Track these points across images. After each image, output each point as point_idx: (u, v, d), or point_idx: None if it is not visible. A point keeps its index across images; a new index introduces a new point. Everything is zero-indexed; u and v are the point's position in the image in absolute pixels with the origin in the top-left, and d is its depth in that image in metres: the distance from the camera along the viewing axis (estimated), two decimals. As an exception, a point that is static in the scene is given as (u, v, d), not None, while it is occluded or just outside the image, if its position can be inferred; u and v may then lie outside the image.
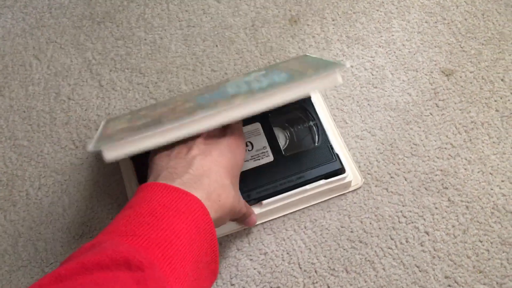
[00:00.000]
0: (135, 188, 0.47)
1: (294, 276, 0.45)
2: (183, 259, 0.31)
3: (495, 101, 0.53)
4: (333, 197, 0.48)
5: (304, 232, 0.47)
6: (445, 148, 0.50)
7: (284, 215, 0.48)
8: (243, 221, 0.44)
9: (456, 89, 0.53)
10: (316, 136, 0.48)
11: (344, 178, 0.46)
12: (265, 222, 0.48)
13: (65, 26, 0.60)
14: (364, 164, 0.50)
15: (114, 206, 0.49)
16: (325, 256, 0.46)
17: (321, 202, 0.48)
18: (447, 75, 0.54)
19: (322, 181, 0.46)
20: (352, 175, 0.48)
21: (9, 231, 0.49)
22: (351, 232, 0.47)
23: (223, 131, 0.40)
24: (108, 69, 0.57)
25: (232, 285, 0.45)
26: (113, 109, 0.54)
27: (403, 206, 0.48)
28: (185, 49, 0.58)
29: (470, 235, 0.46)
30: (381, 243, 0.46)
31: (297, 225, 0.47)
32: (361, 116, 0.52)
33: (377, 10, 0.59)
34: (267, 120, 0.48)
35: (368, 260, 0.46)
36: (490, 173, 0.49)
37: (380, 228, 0.47)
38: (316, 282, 0.45)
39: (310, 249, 0.46)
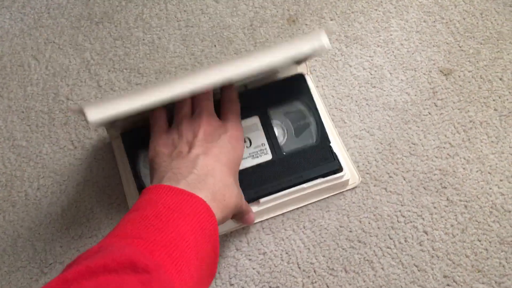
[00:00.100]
0: (133, 189, 0.48)
1: (293, 276, 0.45)
2: (188, 261, 0.31)
3: (494, 100, 0.53)
4: (331, 196, 0.48)
5: (303, 232, 0.47)
6: (444, 148, 0.50)
7: (282, 214, 0.48)
8: (242, 219, 0.43)
9: (455, 89, 0.54)
10: (315, 133, 0.47)
11: (342, 176, 0.46)
12: (263, 221, 0.48)
13: (64, 27, 0.60)
14: (363, 164, 0.50)
15: (114, 206, 0.49)
16: (324, 256, 0.46)
17: (319, 201, 0.48)
18: (445, 74, 0.55)
19: (319, 180, 0.46)
20: (349, 173, 0.48)
21: (8, 231, 0.49)
22: (350, 231, 0.47)
23: (223, 125, 0.40)
24: (106, 69, 0.57)
25: (231, 285, 0.45)
26: (112, 109, 0.54)
27: (401, 205, 0.48)
28: (183, 49, 0.58)
29: (469, 234, 0.46)
30: (380, 243, 0.46)
31: (296, 225, 0.47)
32: (359, 116, 0.53)
33: (376, 10, 0.59)
34: (266, 113, 0.47)
35: (367, 260, 0.46)
36: (489, 173, 0.49)
37: (379, 228, 0.47)
38: (315, 282, 0.45)
39: (309, 248, 0.46)
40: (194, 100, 0.41)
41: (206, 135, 0.39)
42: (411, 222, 0.47)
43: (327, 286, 0.45)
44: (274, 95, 0.48)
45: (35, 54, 0.58)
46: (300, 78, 0.49)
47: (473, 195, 0.48)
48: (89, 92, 0.55)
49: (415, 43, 0.56)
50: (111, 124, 0.45)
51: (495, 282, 0.44)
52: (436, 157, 0.50)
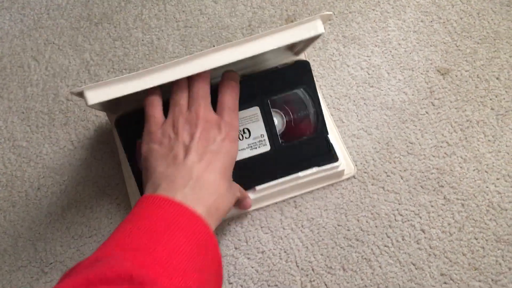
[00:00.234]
0: (135, 185, 0.48)
1: (291, 274, 0.46)
2: (184, 275, 0.31)
3: (491, 99, 0.53)
4: (329, 195, 0.49)
5: (301, 230, 0.47)
6: (441, 147, 0.51)
7: (282, 214, 0.48)
8: (239, 205, 0.45)
9: (452, 88, 0.54)
10: (314, 123, 0.47)
11: (337, 166, 0.47)
12: (262, 216, 0.48)
13: (63, 28, 0.60)
14: (361, 163, 0.50)
15: (113, 206, 0.50)
16: (322, 255, 0.46)
17: (318, 200, 0.48)
18: (442, 74, 0.55)
19: (315, 169, 0.46)
20: (345, 164, 0.49)
21: (9, 231, 0.49)
22: (348, 230, 0.47)
23: (218, 122, 0.40)
24: (106, 70, 0.57)
25: (230, 283, 0.45)
26: (111, 109, 0.55)
27: (399, 204, 0.48)
28: (182, 50, 0.58)
29: (466, 232, 0.47)
30: (377, 241, 0.47)
31: (294, 223, 0.48)
32: (357, 115, 0.53)
33: (373, 10, 0.59)
34: (267, 103, 0.46)
35: (365, 258, 0.46)
36: (486, 171, 0.49)
37: (376, 226, 0.47)
38: (313, 280, 0.45)
39: (307, 247, 0.47)
40: (190, 87, 0.40)
41: (202, 138, 0.38)
42: (408, 220, 0.47)
43: (325, 285, 0.45)
44: (276, 83, 0.46)
45: (35, 55, 0.59)
46: (304, 66, 0.47)
47: (470, 193, 0.48)
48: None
49: (413, 43, 0.57)
50: (111, 107, 0.46)
51: (492, 280, 0.44)
52: (433, 156, 0.50)
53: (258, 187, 0.46)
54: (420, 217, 0.47)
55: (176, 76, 0.38)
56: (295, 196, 0.49)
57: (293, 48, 0.48)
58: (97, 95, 0.37)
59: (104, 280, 0.28)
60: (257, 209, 0.48)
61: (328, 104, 0.53)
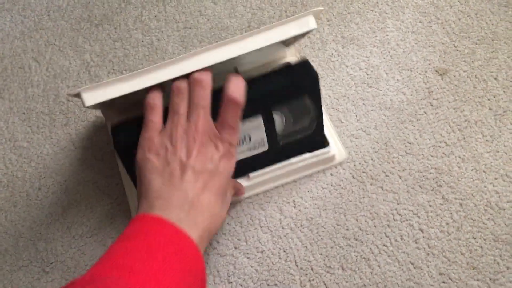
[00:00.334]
0: (134, 189, 0.48)
1: (290, 274, 0.46)
2: None
3: (489, 99, 0.53)
4: (329, 195, 0.49)
5: (300, 230, 0.48)
6: (439, 147, 0.51)
7: (281, 213, 0.48)
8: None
9: (450, 88, 0.54)
10: (313, 124, 0.47)
11: (328, 152, 0.48)
12: (253, 195, 0.49)
13: (64, 29, 0.61)
14: (359, 163, 0.51)
15: (114, 206, 0.50)
16: (321, 254, 0.47)
17: (317, 198, 0.49)
18: (441, 74, 0.55)
19: (307, 154, 0.48)
20: (336, 149, 0.50)
21: (10, 231, 0.49)
22: (347, 230, 0.48)
23: (217, 138, 0.39)
24: (106, 70, 0.58)
25: (229, 282, 0.46)
26: (112, 110, 0.55)
27: (398, 204, 0.48)
28: (182, 51, 0.58)
29: (464, 232, 0.47)
30: (376, 241, 0.47)
31: (294, 223, 0.48)
32: (356, 116, 0.53)
33: (372, 11, 0.59)
34: (269, 111, 0.45)
35: (364, 258, 0.46)
36: (484, 171, 0.50)
37: (375, 226, 0.48)
38: (313, 280, 0.46)
39: (306, 247, 0.47)
40: (191, 92, 0.39)
41: (199, 156, 0.38)
42: (407, 220, 0.48)
43: (324, 284, 0.45)
44: (282, 92, 0.44)
45: (35, 56, 0.59)
46: (306, 66, 0.44)
47: (468, 193, 0.49)
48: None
49: (411, 44, 0.57)
50: (108, 107, 0.46)
51: (490, 279, 0.45)
52: (432, 156, 0.51)
53: (251, 174, 0.47)
54: (419, 217, 0.48)
55: (171, 75, 0.38)
56: (289, 182, 0.50)
57: (285, 41, 0.48)
58: (94, 96, 0.37)
59: None
60: (250, 196, 0.49)
61: (327, 104, 0.54)
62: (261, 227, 0.48)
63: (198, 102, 0.39)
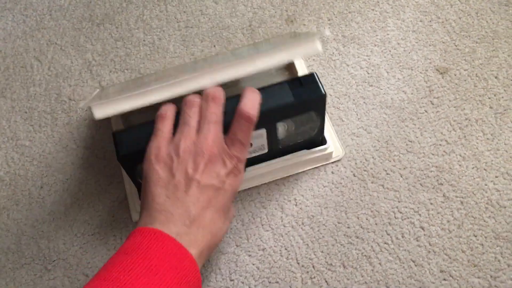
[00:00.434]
0: (134, 189, 0.48)
1: (292, 271, 0.46)
2: None
3: (489, 98, 0.53)
4: (330, 193, 0.49)
5: (301, 228, 0.48)
6: (440, 145, 0.51)
7: (282, 211, 0.49)
8: None
9: (451, 87, 0.54)
10: (314, 130, 0.47)
11: (325, 149, 0.49)
12: (250, 188, 0.50)
13: (65, 28, 0.61)
14: (360, 161, 0.51)
15: (116, 204, 0.50)
16: (322, 252, 0.47)
17: (318, 196, 0.49)
18: (441, 73, 0.55)
19: (304, 151, 0.48)
20: (333, 146, 0.50)
21: (12, 229, 0.50)
22: (348, 227, 0.48)
23: (225, 154, 0.38)
24: (108, 70, 0.58)
25: (231, 280, 0.46)
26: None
27: (399, 202, 0.49)
28: (183, 50, 0.59)
29: (465, 229, 0.47)
30: (377, 238, 0.47)
31: (295, 221, 0.48)
32: (357, 114, 0.53)
33: (372, 10, 0.60)
34: (274, 125, 0.44)
35: (365, 255, 0.46)
36: (484, 169, 0.50)
37: (376, 224, 0.48)
38: (314, 277, 0.46)
39: (307, 244, 0.47)
40: (203, 107, 0.39)
41: (206, 171, 0.37)
42: (408, 218, 0.48)
43: (326, 281, 0.46)
44: (287, 105, 0.42)
45: (37, 55, 0.59)
46: (314, 84, 0.43)
47: (469, 191, 0.49)
48: (91, 92, 0.56)
49: (412, 42, 0.57)
50: (118, 118, 0.46)
51: (491, 277, 0.45)
52: (433, 154, 0.51)
53: (248, 168, 0.47)
54: (420, 215, 0.48)
55: (180, 92, 0.39)
56: (288, 177, 0.50)
57: None
58: (104, 111, 0.38)
59: None
60: (251, 194, 0.50)
61: (328, 103, 0.54)
62: (262, 225, 0.48)
63: (210, 117, 0.38)
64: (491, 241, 0.46)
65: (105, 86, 0.56)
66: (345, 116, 0.53)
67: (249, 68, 0.39)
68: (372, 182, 0.50)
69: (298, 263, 0.46)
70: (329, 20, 0.59)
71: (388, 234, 0.47)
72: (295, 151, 0.48)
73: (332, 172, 0.50)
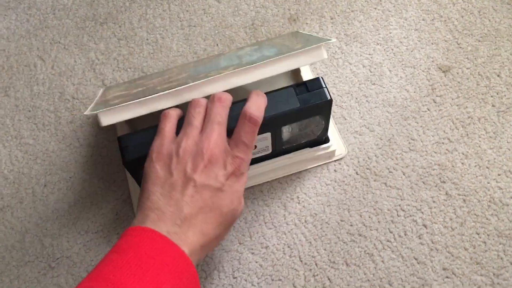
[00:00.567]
0: (137, 188, 0.48)
1: (295, 269, 0.46)
2: None
3: (492, 96, 0.54)
4: (332, 191, 0.49)
5: (304, 226, 0.48)
6: (443, 143, 0.51)
7: (284, 209, 0.49)
8: None
9: (453, 85, 0.54)
10: (318, 132, 0.48)
11: (328, 147, 0.49)
12: (253, 186, 0.50)
13: (69, 27, 0.61)
14: (363, 159, 0.51)
15: (119, 202, 0.50)
16: (325, 249, 0.47)
17: (320, 194, 0.49)
18: (444, 71, 0.55)
19: (307, 149, 0.48)
20: (336, 145, 0.50)
21: (16, 227, 0.50)
22: (351, 225, 0.48)
23: (227, 155, 0.38)
24: (111, 68, 0.58)
25: (234, 278, 0.46)
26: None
27: (401, 200, 0.49)
28: (186, 48, 0.59)
29: (467, 227, 0.47)
30: (380, 236, 0.47)
31: (298, 219, 0.48)
32: (359, 112, 0.53)
33: (375, 8, 0.60)
34: (279, 129, 0.44)
35: (368, 253, 0.46)
36: (487, 167, 0.50)
37: (379, 222, 0.48)
38: (317, 275, 0.46)
39: (310, 242, 0.47)
40: (208, 108, 0.39)
41: (204, 172, 0.37)
42: (410, 216, 0.48)
43: (329, 279, 0.46)
44: (293, 111, 0.42)
45: (41, 54, 0.60)
46: (321, 89, 0.43)
47: (471, 189, 0.49)
48: (94, 91, 0.57)
49: (414, 41, 0.57)
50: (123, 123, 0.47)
51: (493, 274, 0.45)
52: (435, 152, 0.51)
53: (252, 165, 0.47)
54: (422, 213, 0.48)
55: (185, 99, 0.39)
56: (290, 175, 0.50)
57: None
58: (110, 118, 0.39)
59: None
60: (254, 193, 0.50)
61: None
62: (265, 223, 0.48)
63: (214, 117, 0.38)
64: (493, 239, 0.46)
65: (109, 85, 0.57)
66: (347, 114, 0.53)
67: (256, 76, 0.40)
68: (374, 180, 0.50)
69: (301, 261, 0.46)
70: (331, 18, 0.60)
71: (390, 232, 0.47)
72: (298, 150, 0.48)
73: (335, 170, 0.51)
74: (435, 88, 0.54)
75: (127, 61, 0.58)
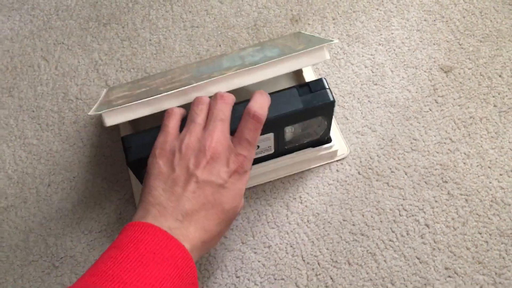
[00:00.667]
0: (140, 187, 0.48)
1: (297, 268, 0.46)
2: None
3: (493, 96, 0.54)
4: (334, 190, 0.49)
5: (307, 225, 0.48)
6: (445, 143, 0.51)
7: (287, 209, 0.49)
8: None
9: (455, 85, 0.55)
10: (322, 131, 0.48)
11: (330, 147, 0.49)
12: (255, 186, 0.50)
13: (72, 28, 0.62)
14: (365, 159, 0.51)
15: (122, 202, 0.51)
16: (327, 249, 0.47)
17: (322, 193, 0.49)
18: (446, 71, 0.56)
19: (309, 149, 0.48)
20: (338, 145, 0.50)
21: (20, 227, 0.50)
22: (353, 225, 0.48)
23: (230, 152, 0.38)
24: (114, 69, 0.58)
25: (237, 277, 0.46)
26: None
27: (403, 199, 0.49)
28: (189, 49, 0.59)
29: (470, 227, 0.47)
30: (382, 236, 0.47)
31: (300, 218, 0.49)
32: (361, 113, 0.54)
33: (377, 9, 0.60)
34: (282, 130, 0.45)
35: (370, 252, 0.47)
36: (489, 167, 0.50)
37: (381, 221, 0.48)
38: (319, 274, 0.46)
39: (313, 242, 0.47)
40: (212, 105, 0.39)
41: (207, 168, 0.37)
42: (412, 215, 0.48)
43: (331, 278, 0.46)
44: (296, 112, 0.42)
45: (44, 55, 0.60)
46: (324, 90, 0.43)
47: (473, 189, 0.49)
48: (97, 91, 0.57)
49: (416, 41, 0.58)
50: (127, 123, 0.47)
51: (495, 274, 0.45)
52: (437, 152, 0.51)
53: (254, 165, 0.47)
54: (424, 212, 0.48)
55: (188, 100, 0.40)
56: (293, 175, 0.51)
57: None
58: (114, 119, 0.39)
59: None
60: (256, 192, 0.50)
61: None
62: (268, 222, 0.49)
63: (217, 114, 0.38)
64: (495, 239, 0.46)
65: (112, 86, 0.57)
66: (350, 114, 0.54)
67: (259, 77, 0.40)
68: (377, 180, 0.50)
69: (304, 260, 0.47)
70: (333, 19, 0.60)
71: (393, 232, 0.47)
72: (300, 150, 0.49)
73: (337, 170, 0.51)
74: (437, 89, 0.54)
75: (130, 62, 0.59)
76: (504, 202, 0.48)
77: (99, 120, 0.55)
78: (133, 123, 0.50)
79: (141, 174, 0.43)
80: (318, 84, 0.43)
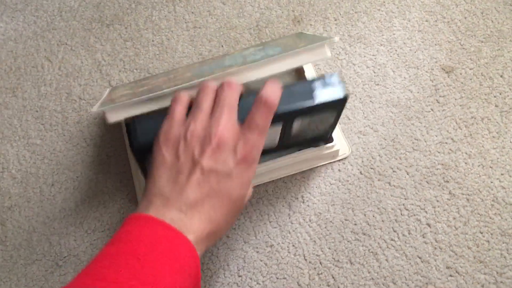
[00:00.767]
0: (143, 186, 0.49)
1: (299, 268, 0.47)
2: None
3: (495, 96, 0.54)
4: (336, 190, 0.50)
5: (309, 225, 0.48)
6: (446, 143, 0.52)
7: (289, 208, 0.49)
8: None
9: (456, 86, 0.55)
10: (326, 127, 0.48)
11: (332, 147, 0.49)
12: (258, 185, 0.51)
13: (75, 29, 0.62)
14: (367, 159, 0.51)
15: (125, 201, 0.51)
16: (329, 248, 0.47)
17: (324, 193, 0.49)
18: (447, 72, 0.56)
19: (311, 149, 0.48)
20: (339, 144, 0.51)
21: (24, 226, 0.50)
22: (355, 224, 0.48)
23: (237, 139, 0.36)
24: (117, 69, 0.59)
25: (239, 276, 0.46)
26: (123, 108, 0.56)
27: (405, 199, 0.49)
28: (191, 50, 0.59)
29: (471, 226, 0.47)
30: (384, 235, 0.48)
31: (302, 218, 0.49)
32: (363, 113, 0.54)
33: (379, 10, 0.60)
34: (291, 122, 0.44)
35: (372, 252, 0.47)
36: (490, 167, 0.50)
37: (383, 221, 0.48)
38: (321, 273, 0.46)
39: (315, 241, 0.48)
40: (218, 91, 0.37)
41: (213, 157, 0.35)
42: (414, 215, 0.48)
43: (333, 277, 0.46)
44: (310, 106, 0.42)
45: (48, 56, 0.60)
46: (339, 86, 0.42)
47: (475, 188, 0.49)
48: (100, 91, 0.57)
49: (418, 42, 0.58)
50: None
51: (497, 273, 0.45)
52: (439, 152, 0.51)
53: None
54: (426, 212, 0.48)
55: (191, 96, 0.39)
56: (295, 174, 0.51)
57: None
58: (117, 115, 0.39)
59: None
60: (259, 192, 0.50)
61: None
62: (270, 222, 0.49)
63: (224, 101, 0.37)
64: (497, 238, 0.47)
65: (115, 85, 0.57)
66: (351, 114, 0.54)
67: (260, 73, 0.40)
68: (378, 180, 0.50)
69: (306, 260, 0.47)
70: (335, 20, 0.60)
71: (394, 231, 0.48)
72: (302, 146, 0.49)
73: (339, 170, 0.51)
74: (438, 89, 0.55)
75: (133, 62, 0.59)
76: (506, 201, 0.48)
77: (102, 120, 0.56)
78: None
79: (144, 161, 0.42)
80: (332, 79, 0.42)
